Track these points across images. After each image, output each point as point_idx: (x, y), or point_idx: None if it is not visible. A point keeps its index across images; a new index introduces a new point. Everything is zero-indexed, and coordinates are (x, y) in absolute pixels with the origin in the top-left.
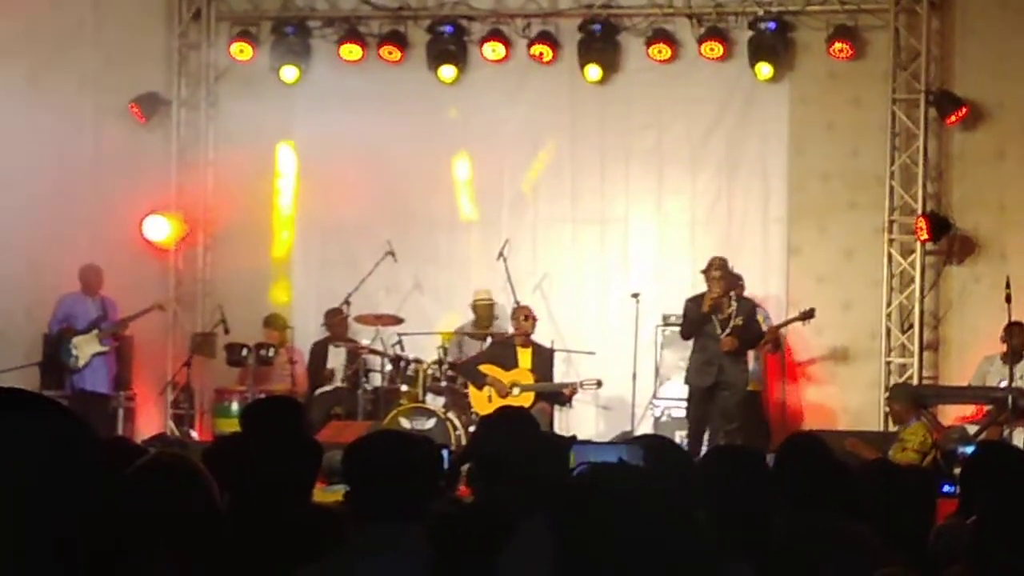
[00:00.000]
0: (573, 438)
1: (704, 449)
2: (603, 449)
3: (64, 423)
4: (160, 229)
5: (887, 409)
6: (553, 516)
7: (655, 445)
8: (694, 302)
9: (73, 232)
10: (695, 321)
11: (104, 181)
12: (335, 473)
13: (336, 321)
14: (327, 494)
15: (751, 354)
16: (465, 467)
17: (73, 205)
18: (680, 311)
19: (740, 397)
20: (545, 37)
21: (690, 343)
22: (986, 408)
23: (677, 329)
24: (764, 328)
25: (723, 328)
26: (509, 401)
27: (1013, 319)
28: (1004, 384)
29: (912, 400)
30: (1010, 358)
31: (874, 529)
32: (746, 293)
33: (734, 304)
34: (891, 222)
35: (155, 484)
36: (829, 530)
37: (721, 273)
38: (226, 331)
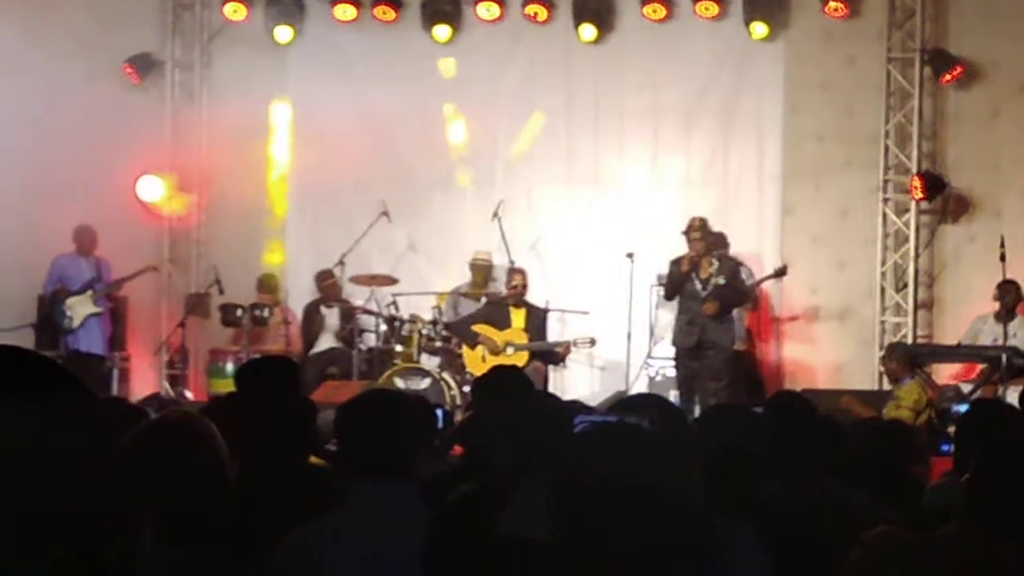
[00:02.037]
0: (577, 408)
1: (697, 408)
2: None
3: (62, 383)
4: (154, 190)
5: (882, 368)
6: (551, 476)
7: (652, 405)
8: (676, 263)
9: (67, 193)
10: (676, 281)
11: (98, 142)
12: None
13: (327, 283)
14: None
15: (735, 313)
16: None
17: (67, 166)
18: None
19: (726, 356)
20: None
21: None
22: (980, 367)
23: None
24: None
25: (704, 288)
26: (502, 360)
27: (1007, 278)
28: (997, 343)
29: (908, 359)
30: (1003, 317)
31: (865, 487)
32: (739, 252)
33: (715, 264)
34: (886, 181)
35: (163, 445)
36: (820, 488)
37: (701, 234)
38: (220, 292)
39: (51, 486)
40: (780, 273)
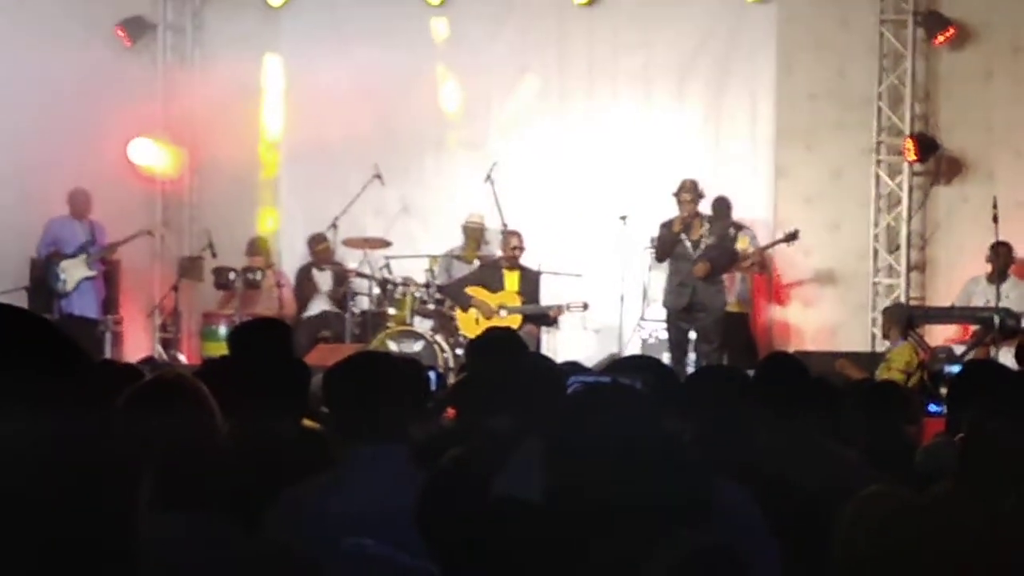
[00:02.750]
0: (571, 368)
1: (689, 370)
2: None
3: (58, 344)
4: (147, 153)
5: (875, 330)
6: (545, 437)
7: (645, 366)
8: (667, 226)
9: (59, 156)
10: (666, 242)
11: (90, 105)
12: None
13: (321, 247)
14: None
15: (738, 276)
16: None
17: (59, 129)
18: None
19: (717, 318)
20: None
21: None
22: (973, 329)
23: None
24: (752, 250)
25: (695, 249)
26: (495, 323)
27: (999, 239)
28: (990, 304)
29: (903, 321)
30: (996, 278)
31: (858, 447)
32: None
33: (706, 225)
34: (879, 143)
35: (156, 404)
36: (812, 448)
37: (691, 195)
38: (213, 255)
39: (51, 448)
40: (791, 237)
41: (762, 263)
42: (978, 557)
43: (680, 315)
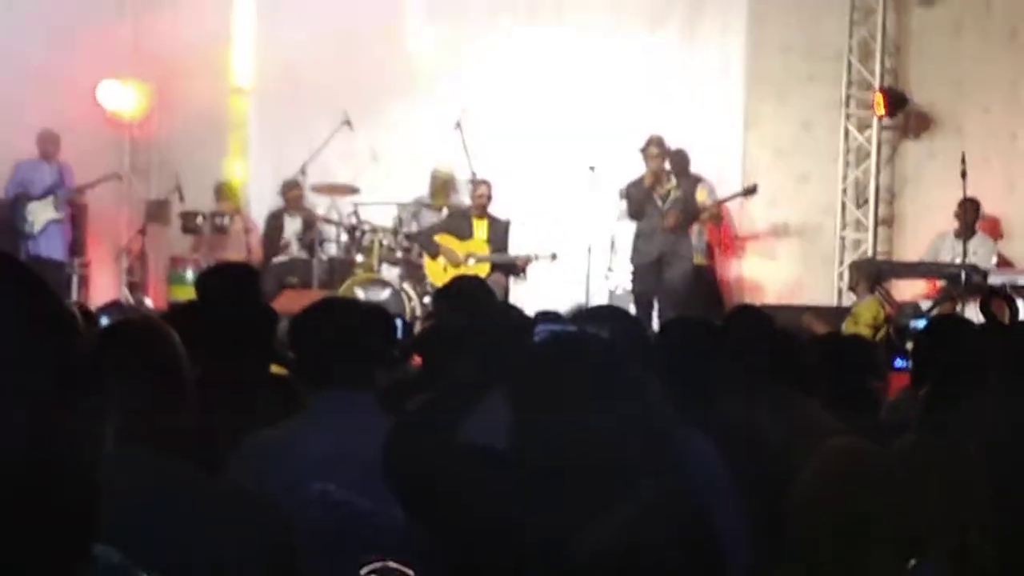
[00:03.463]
0: (539, 316)
1: (655, 321)
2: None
3: (26, 280)
4: (115, 96)
5: (841, 284)
6: (511, 384)
7: (612, 315)
8: (635, 185)
9: (27, 98)
10: (639, 200)
11: (58, 46)
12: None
13: (293, 193)
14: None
15: (695, 228)
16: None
17: (26, 70)
18: None
19: (684, 270)
20: None
21: None
22: (939, 284)
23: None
24: (709, 202)
25: (664, 202)
26: (463, 271)
27: (967, 195)
28: (957, 260)
29: (871, 275)
30: (963, 234)
31: (823, 400)
32: (701, 166)
33: (673, 179)
34: (848, 96)
35: (123, 345)
36: (777, 400)
37: (659, 151)
38: (181, 199)
39: (19, 378)
40: (749, 191)
41: (719, 215)
42: (941, 510)
43: (648, 268)
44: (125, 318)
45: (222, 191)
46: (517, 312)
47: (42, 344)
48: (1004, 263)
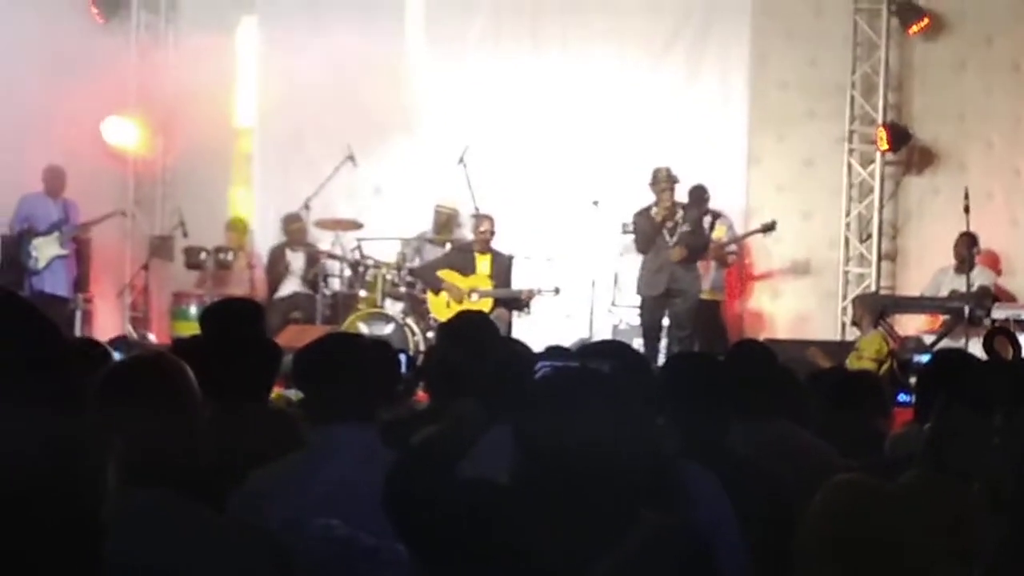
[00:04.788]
0: (545, 352)
1: (661, 356)
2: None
3: (32, 320)
4: (119, 131)
5: (845, 318)
6: (514, 420)
7: (614, 351)
8: (642, 216)
9: (31, 133)
10: (648, 233)
11: (63, 82)
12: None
13: (295, 226)
14: (289, 397)
15: (713, 263)
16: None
17: (32, 106)
18: None
19: (691, 304)
20: None
21: None
22: (942, 318)
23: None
24: (727, 238)
25: (672, 236)
26: (466, 306)
27: (966, 230)
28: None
29: (874, 310)
30: (966, 267)
31: (826, 436)
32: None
33: (680, 212)
34: (851, 132)
35: (138, 382)
36: (782, 437)
37: (668, 183)
38: (185, 234)
39: (18, 423)
40: (768, 228)
41: (724, 257)
42: (945, 545)
43: (655, 301)
44: (138, 355)
45: (232, 225)
46: (520, 347)
47: (38, 376)
48: (1004, 296)
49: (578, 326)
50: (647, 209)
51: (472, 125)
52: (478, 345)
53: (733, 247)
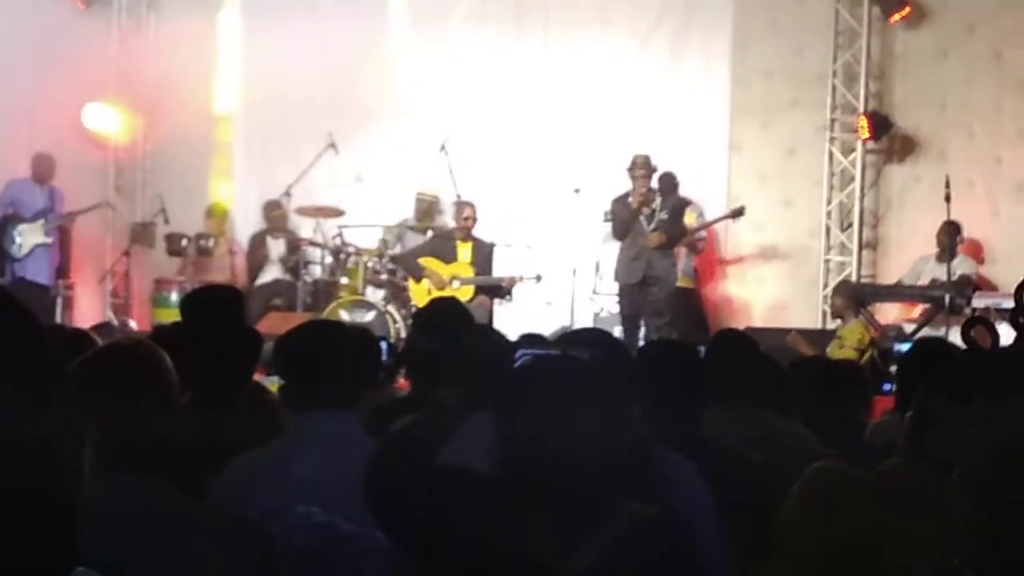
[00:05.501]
0: (523, 340)
1: (640, 343)
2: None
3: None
4: (101, 118)
5: (825, 307)
6: (493, 408)
7: (595, 339)
8: (619, 202)
9: (12, 119)
10: (625, 220)
11: (44, 68)
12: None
13: (276, 213)
14: (266, 385)
15: (683, 250)
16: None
17: (12, 91)
18: None
19: (669, 291)
20: None
21: None
22: (923, 306)
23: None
24: (697, 224)
25: (649, 223)
26: (448, 293)
27: (949, 219)
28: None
29: (854, 298)
30: (947, 256)
31: (807, 425)
32: (685, 190)
33: (658, 199)
34: (832, 120)
35: (115, 368)
36: (764, 425)
37: (645, 171)
38: (166, 221)
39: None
40: (737, 213)
41: (694, 242)
42: (924, 533)
43: (633, 289)
44: (116, 340)
45: (212, 211)
46: (498, 335)
47: (13, 363)
48: (986, 286)
49: (559, 314)
50: (624, 196)
51: (454, 111)
52: (452, 331)
53: (703, 233)
